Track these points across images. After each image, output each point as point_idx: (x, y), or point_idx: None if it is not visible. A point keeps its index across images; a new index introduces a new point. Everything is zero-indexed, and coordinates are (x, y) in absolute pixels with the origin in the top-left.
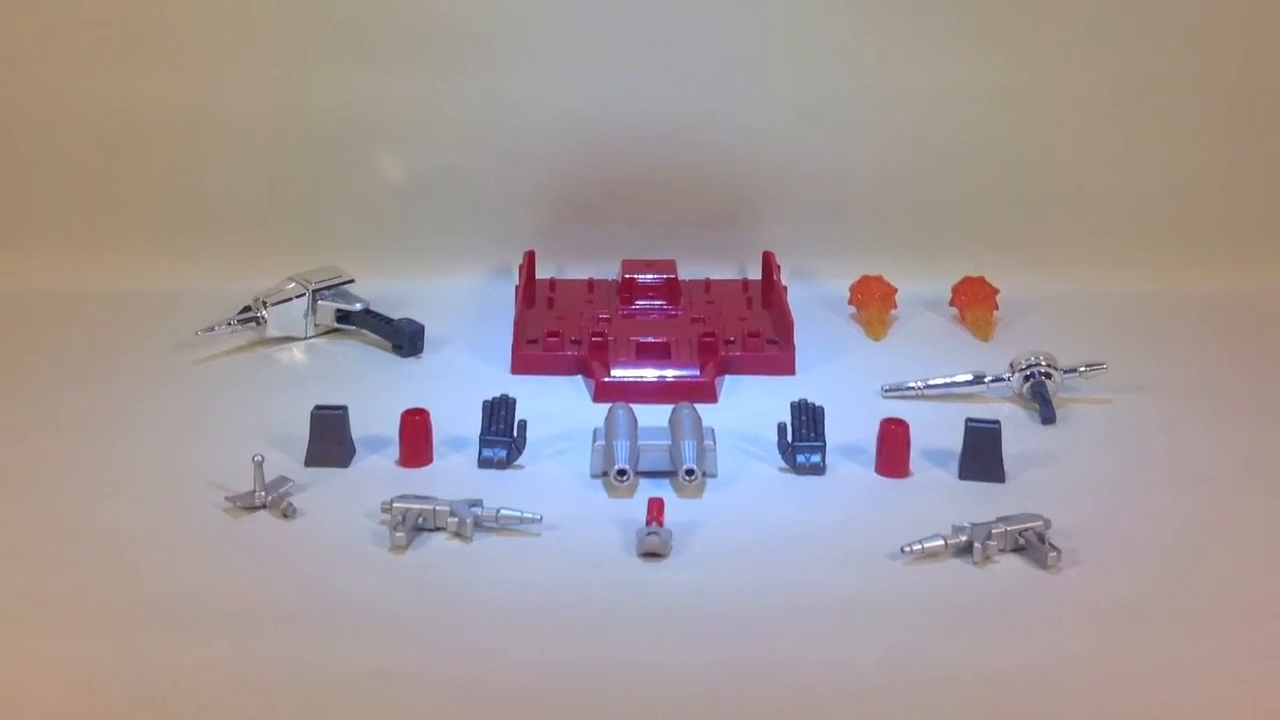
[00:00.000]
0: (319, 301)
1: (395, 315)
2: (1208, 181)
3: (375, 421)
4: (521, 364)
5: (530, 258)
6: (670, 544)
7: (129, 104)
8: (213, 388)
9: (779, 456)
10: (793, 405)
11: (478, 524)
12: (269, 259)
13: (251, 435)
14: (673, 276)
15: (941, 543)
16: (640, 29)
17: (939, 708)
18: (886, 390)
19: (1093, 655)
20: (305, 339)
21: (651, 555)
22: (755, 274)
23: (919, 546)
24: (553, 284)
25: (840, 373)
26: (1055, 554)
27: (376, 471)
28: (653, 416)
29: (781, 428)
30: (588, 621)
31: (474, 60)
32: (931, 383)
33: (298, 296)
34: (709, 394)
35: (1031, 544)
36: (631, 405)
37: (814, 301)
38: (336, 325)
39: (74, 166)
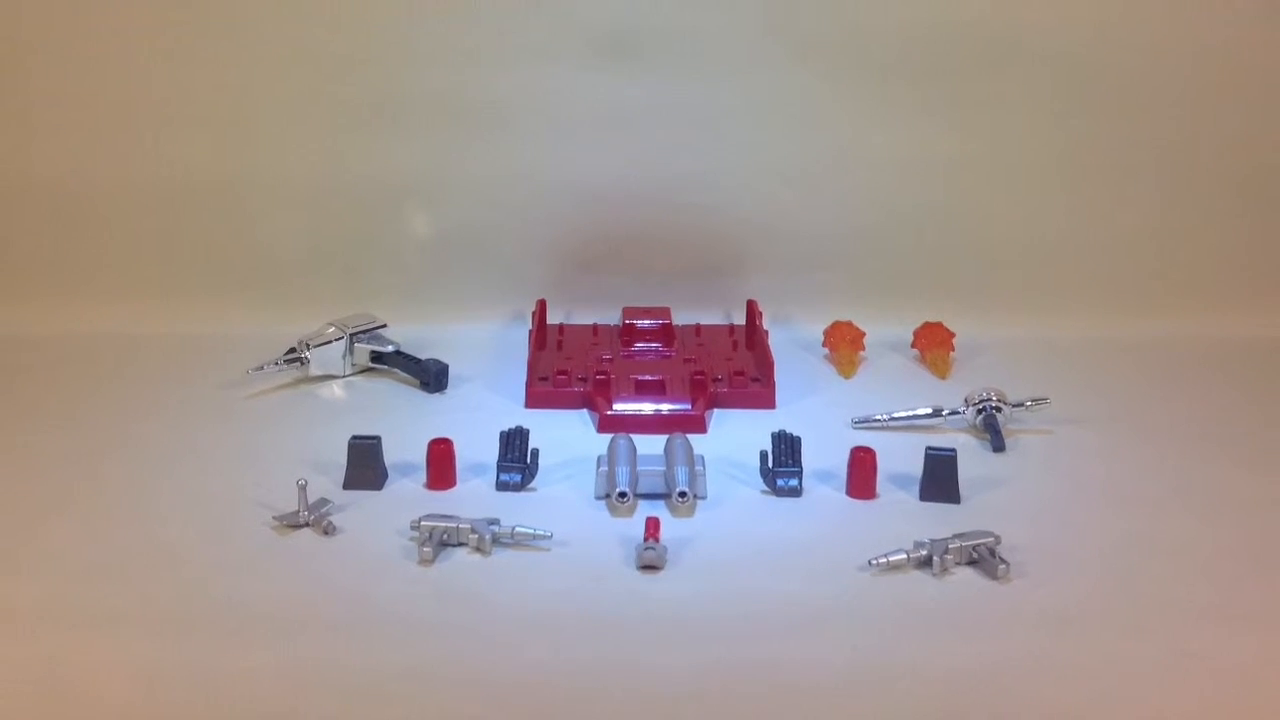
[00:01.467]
0: (356, 344)
1: (423, 356)
2: (1138, 240)
3: (405, 450)
4: (534, 399)
5: (542, 305)
6: (665, 558)
7: (189, 169)
8: (261, 420)
9: (761, 480)
10: (773, 435)
11: (495, 540)
12: (311, 306)
13: (296, 462)
14: (667, 322)
15: (904, 556)
16: (639, 104)
17: (902, 701)
18: (856, 422)
19: (1036, 655)
20: (343, 377)
21: (649, 568)
22: (740, 319)
23: (885, 560)
24: (561, 329)
25: (815, 407)
26: (1004, 566)
27: (406, 494)
28: (650, 445)
29: (763, 455)
30: (592, 626)
31: (492, 131)
32: (896, 415)
33: (337, 339)
34: (699, 425)
35: (983, 557)
36: (631, 435)
37: (792, 344)
38: (371, 365)
39: (140, 224)
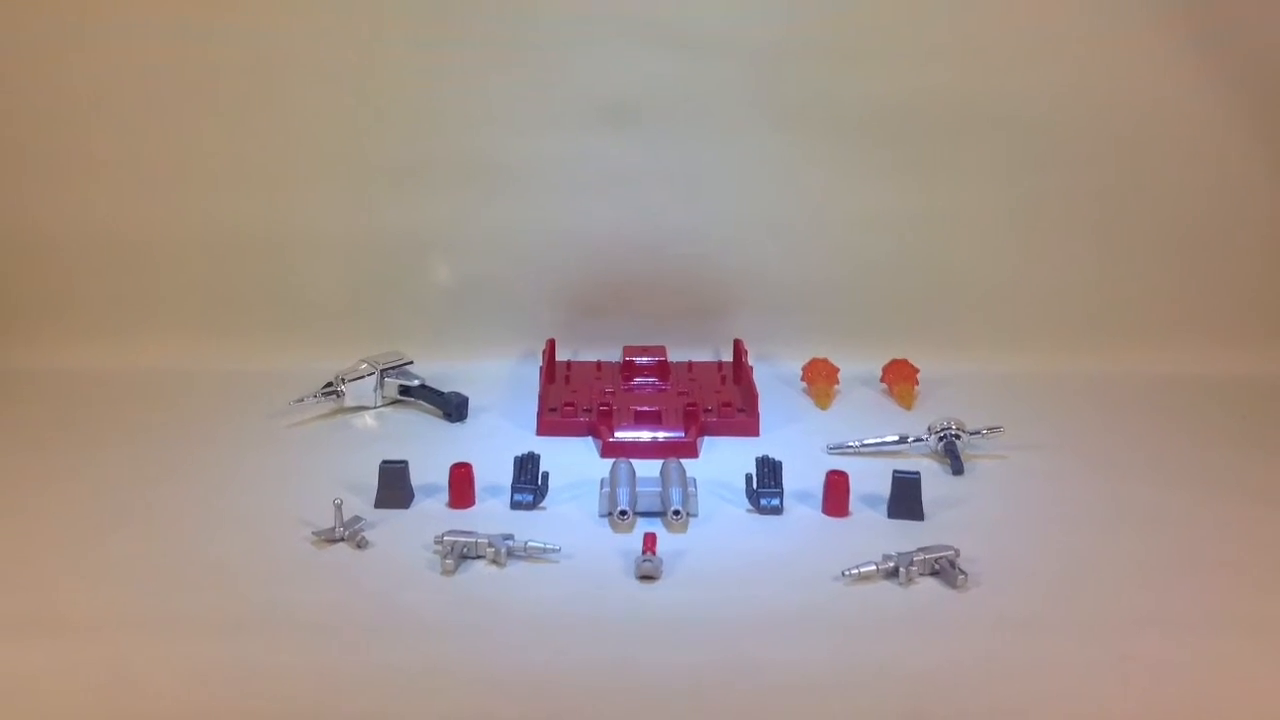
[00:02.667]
0: (386, 378)
1: (445, 389)
2: (1082, 286)
3: (429, 473)
4: (545, 428)
5: (551, 344)
6: (661, 569)
7: (239, 222)
8: (301, 446)
9: (747, 500)
10: (757, 460)
11: (510, 553)
12: (346, 345)
13: (332, 483)
14: (663, 359)
15: (874, 568)
16: (637, 165)
17: (872, 697)
18: (831, 448)
19: (991, 656)
20: (375, 408)
21: (646, 578)
22: (728, 357)
23: (856, 571)
24: (569, 365)
25: (794, 434)
26: (963, 577)
27: (430, 512)
28: (648, 469)
29: (748, 477)
30: (595, 629)
31: (506, 188)
32: (866, 442)
33: (369, 374)
34: (691, 451)
35: (944, 569)
36: (630, 460)
37: (773, 378)
38: (399, 397)
39: (195, 271)
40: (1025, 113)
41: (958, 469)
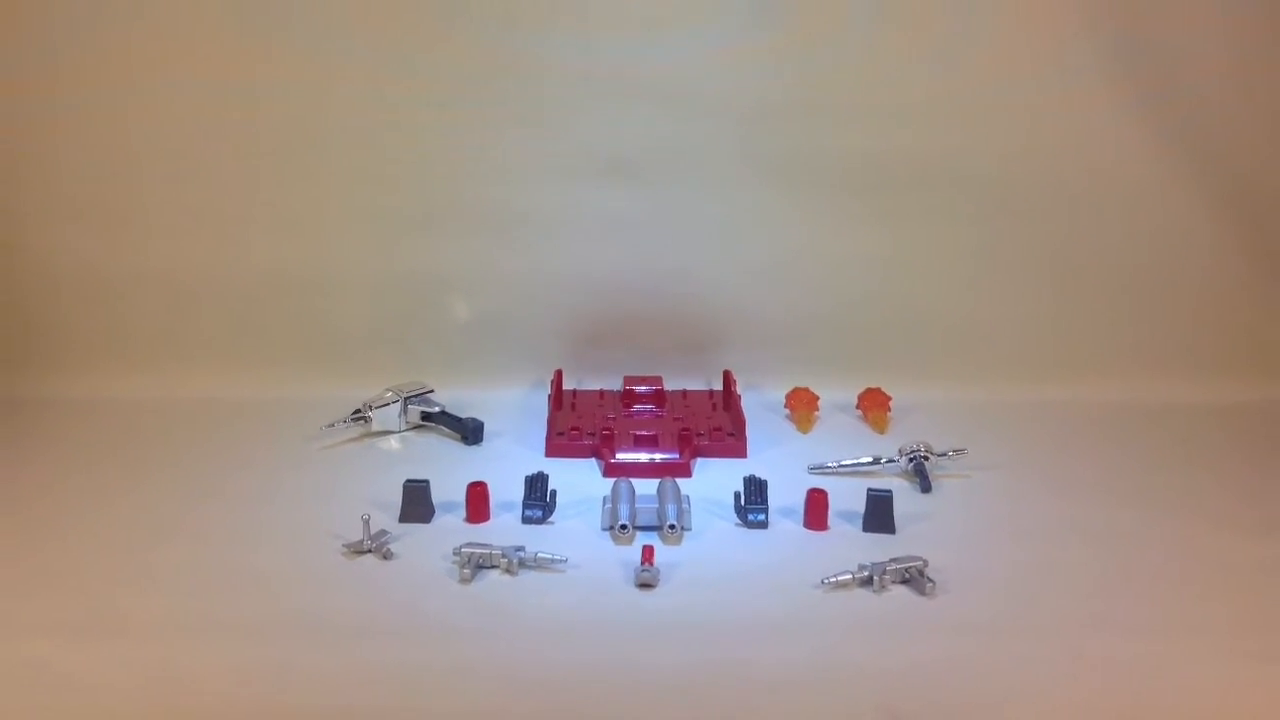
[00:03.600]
0: (409, 405)
1: (463, 415)
2: (1038, 321)
3: (449, 491)
4: (553, 450)
5: (558, 375)
6: (658, 578)
7: (273, 264)
8: (331, 467)
9: (735, 515)
10: (745, 479)
11: (521, 563)
12: (372, 375)
13: (359, 500)
14: (660, 388)
15: (850, 576)
16: (636, 212)
17: (849, 694)
18: (811, 468)
19: (956, 657)
20: (399, 432)
21: (645, 586)
22: (718, 386)
23: (834, 579)
24: (574, 393)
25: (779, 456)
26: (931, 584)
27: (449, 526)
28: (646, 488)
29: (737, 495)
30: (600, 633)
31: (519, 233)
32: (843, 463)
33: (394, 402)
34: (685, 471)
35: (914, 577)
36: (630, 479)
37: (760, 406)
38: (421, 422)
39: (233, 308)
40: (984, 167)
41: (926, 487)
